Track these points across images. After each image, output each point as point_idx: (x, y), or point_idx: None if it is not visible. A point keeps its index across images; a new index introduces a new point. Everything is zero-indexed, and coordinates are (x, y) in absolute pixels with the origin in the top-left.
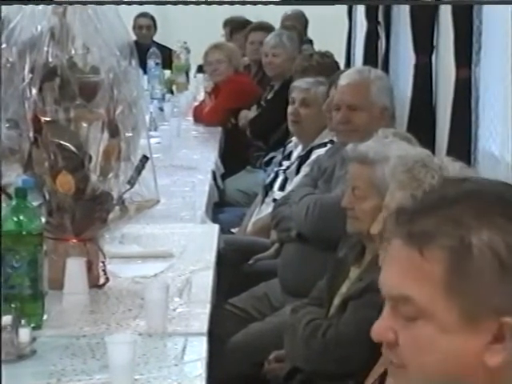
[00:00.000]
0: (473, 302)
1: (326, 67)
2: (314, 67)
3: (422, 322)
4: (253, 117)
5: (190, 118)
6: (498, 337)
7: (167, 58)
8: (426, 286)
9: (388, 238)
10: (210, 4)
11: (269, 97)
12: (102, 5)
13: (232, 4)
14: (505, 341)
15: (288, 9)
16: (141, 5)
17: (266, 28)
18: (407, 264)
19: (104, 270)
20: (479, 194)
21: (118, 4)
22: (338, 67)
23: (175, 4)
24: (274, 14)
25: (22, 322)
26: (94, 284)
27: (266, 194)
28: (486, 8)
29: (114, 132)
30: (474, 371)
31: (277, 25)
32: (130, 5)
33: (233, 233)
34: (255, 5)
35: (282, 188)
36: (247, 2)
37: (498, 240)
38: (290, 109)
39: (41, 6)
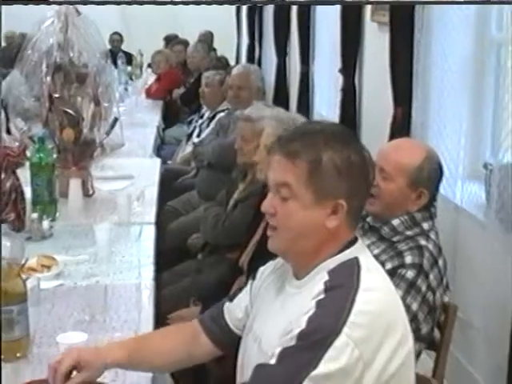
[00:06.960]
0: (321, 190)
1: (222, 65)
2: (215, 65)
3: (292, 201)
4: (182, 93)
5: (143, 95)
6: (334, 211)
7: (129, 59)
8: (296, 180)
9: (271, 155)
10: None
11: (191, 81)
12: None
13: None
14: (338, 213)
15: (201, 29)
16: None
17: (182, 42)
18: (286, 168)
19: (92, 186)
20: (325, 130)
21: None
22: (228, 64)
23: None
24: (196, 32)
25: (44, 217)
26: (86, 194)
27: (188, 139)
28: (319, 23)
29: (97, 103)
30: (319, 231)
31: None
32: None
33: (168, 163)
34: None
35: (198, 135)
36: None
37: (336, 157)
38: (200, 89)
39: (52, 27)
